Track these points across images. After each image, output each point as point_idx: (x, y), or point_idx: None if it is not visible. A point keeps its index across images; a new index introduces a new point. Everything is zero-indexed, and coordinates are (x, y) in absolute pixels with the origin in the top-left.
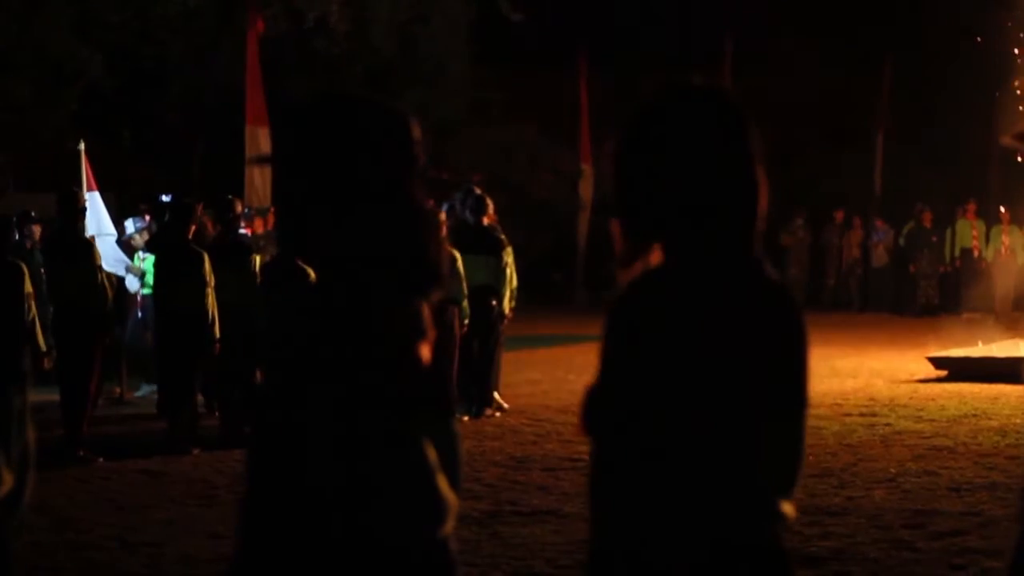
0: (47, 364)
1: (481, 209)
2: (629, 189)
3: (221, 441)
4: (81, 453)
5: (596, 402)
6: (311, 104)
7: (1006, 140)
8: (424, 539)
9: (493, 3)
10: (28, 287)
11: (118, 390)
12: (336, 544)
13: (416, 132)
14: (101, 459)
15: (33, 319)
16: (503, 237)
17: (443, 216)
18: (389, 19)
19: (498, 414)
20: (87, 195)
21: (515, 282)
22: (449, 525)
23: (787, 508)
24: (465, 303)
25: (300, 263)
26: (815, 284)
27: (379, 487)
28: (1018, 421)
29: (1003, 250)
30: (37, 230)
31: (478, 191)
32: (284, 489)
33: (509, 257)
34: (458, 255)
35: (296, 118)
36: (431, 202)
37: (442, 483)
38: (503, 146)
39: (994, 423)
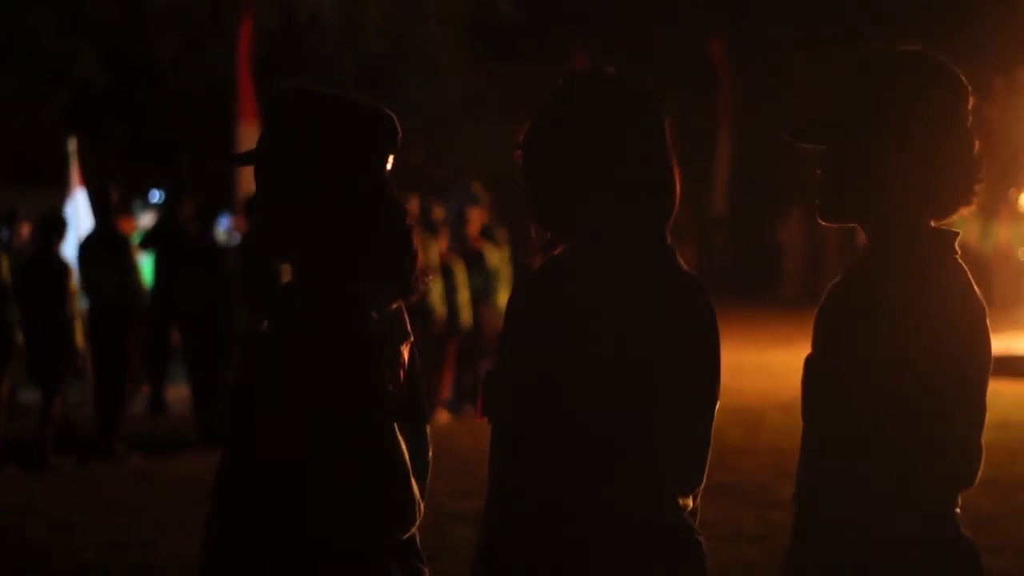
0: (81, 363)
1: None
2: (539, 179)
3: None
4: (117, 450)
5: (496, 387)
6: (278, 102)
7: (784, 135)
8: (393, 538)
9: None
10: (73, 286)
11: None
12: (308, 541)
13: (394, 128)
14: (137, 456)
15: (73, 317)
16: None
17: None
18: (382, 15)
19: None
20: (75, 192)
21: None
22: (416, 526)
23: (687, 502)
24: (498, 298)
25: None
26: (813, 279)
27: (355, 487)
28: (1013, 417)
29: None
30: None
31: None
32: (257, 488)
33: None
34: (490, 251)
35: (264, 116)
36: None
37: (414, 486)
38: (499, 142)
39: (991, 418)
